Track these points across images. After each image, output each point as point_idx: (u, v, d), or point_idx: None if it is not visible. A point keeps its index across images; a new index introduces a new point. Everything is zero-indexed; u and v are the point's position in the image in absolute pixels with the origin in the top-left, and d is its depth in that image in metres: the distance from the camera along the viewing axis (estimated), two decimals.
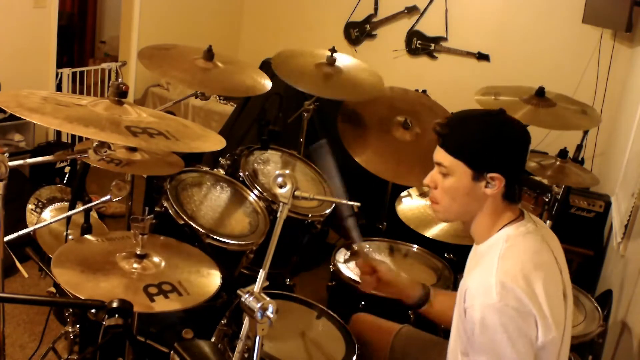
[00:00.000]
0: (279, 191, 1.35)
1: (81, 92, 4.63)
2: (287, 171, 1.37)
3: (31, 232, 1.78)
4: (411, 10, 4.87)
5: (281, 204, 1.35)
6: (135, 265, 1.56)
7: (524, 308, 1.23)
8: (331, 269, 2.21)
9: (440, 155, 1.38)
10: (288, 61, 2.67)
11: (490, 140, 1.33)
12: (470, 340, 1.29)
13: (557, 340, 1.30)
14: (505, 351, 1.23)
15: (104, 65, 4.56)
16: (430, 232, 2.31)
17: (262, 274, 1.25)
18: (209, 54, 2.30)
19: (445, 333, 2.05)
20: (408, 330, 1.85)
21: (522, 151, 1.36)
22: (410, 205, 2.50)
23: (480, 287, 1.26)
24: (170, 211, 1.99)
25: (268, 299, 1.18)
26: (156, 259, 1.61)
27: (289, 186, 1.35)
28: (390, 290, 1.74)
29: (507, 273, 1.25)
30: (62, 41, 4.42)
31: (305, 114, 2.77)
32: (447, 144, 1.36)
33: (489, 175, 1.32)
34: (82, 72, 4.46)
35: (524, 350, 1.24)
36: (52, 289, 2.18)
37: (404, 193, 2.57)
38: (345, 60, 2.74)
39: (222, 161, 2.36)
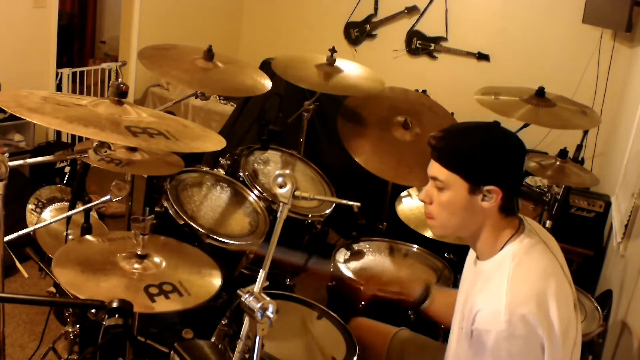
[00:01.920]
0: (279, 191, 1.35)
1: (81, 92, 4.63)
2: (287, 171, 1.36)
3: (31, 232, 1.78)
4: (411, 10, 4.87)
5: (281, 204, 1.35)
6: (135, 266, 1.56)
7: (532, 335, 1.22)
8: (331, 269, 2.21)
9: (435, 169, 1.35)
10: (287, 64, 2.67)
11: (486, 153, 1.32)
12: (477, 357, 1.28)
13: (567, 356, 1.29)
14: None
15: (104, 65, 4.56)
16: (430, 232, 2.31)
17: (262, 274, 1.25)
18: (209, 54, 2.30)
19: (445, 336, 2.06)
20: (405, 333, 1.85)
21: (518, 163, 1.34)
22: (410, 205, 2.50)
23: (489, 313, 1.25)
24: (170, 211, 1.99)
25: (268, 299, 1.18)
26: (157, 259, 1.61)
27: (289, 186, 1.34)
28: (393, 287, 1.74)
29: (517, 298, 1.23)
30: (62, 41, 4.42)
31: (305, 114, 2.77)
32: (442, 157, 1.34)
33: (486, 188, 1.30)
34: (82, 72, 4.46)
35: None
36: (52, 289, 2.18)
37: (404, 193, 2.57)
38: (345, 64, 2.75)
39: (222, 161, 2.36)
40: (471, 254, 1.51)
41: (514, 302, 1.22)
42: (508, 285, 1.25)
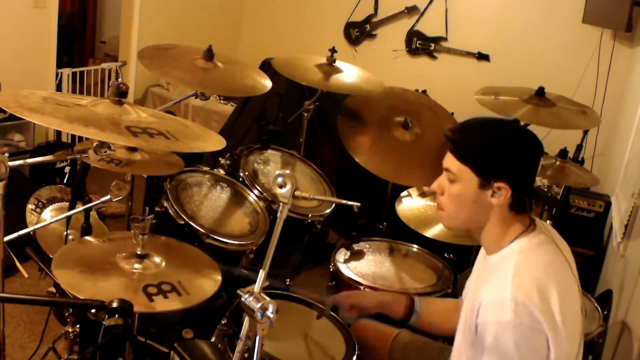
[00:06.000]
0: (279, 191, 1.35)
1: (81, 92, 4.63)
2: (287, 171, 1.36)
3: (31, 232, 1.78)
4: (411, 10, 4.88)
5: (281, 204, 1.35)
6: (135, 266, 1.56)
7: (538, 326, 1.21)
8: (331, 269, 2.21)
9: (448, 160, 1.36)
10: (287, 64, 2.67)
11: (499, 148, 1.31)
12: (479, 353, 1.28)
13: (572, 356, 1.29)
14: None
15: (104, 65, 4.56)
16: (430, 232, 2.30)
17: (262, 274, 1.25)
18: (209, 54, 2.30)
19: (444, 337, 2.06)
20: (406, 334, 1.85)
21: (531, 162, 1.33)
22: (410, 205, 2.50)
23: (494, 304, 1.24)
24: (170, 211, 1.99)
25: (268, 299, 1.18)
26: (157, 259, 1.61)
27: (289, 186, 1.34)
28: (372, 311, 1.76)
29: (521, 289, 1.23)
30: (62, 41, 4.43)
31: (305, 114, 2.77)
32: (456, 149, 1.34)
33: (496, 184, 1.30)
34: (82, 72, 4.46)
35: None
36: (52, 289, 2.18)
37: (404, 193, 2.57)
38: (344, 65, 2.76)
39: (222, 161, 2.36)
40: (483, 255, 1.52)
41: (519, 292, 1.22)
42: (513, 277, 1.26)
